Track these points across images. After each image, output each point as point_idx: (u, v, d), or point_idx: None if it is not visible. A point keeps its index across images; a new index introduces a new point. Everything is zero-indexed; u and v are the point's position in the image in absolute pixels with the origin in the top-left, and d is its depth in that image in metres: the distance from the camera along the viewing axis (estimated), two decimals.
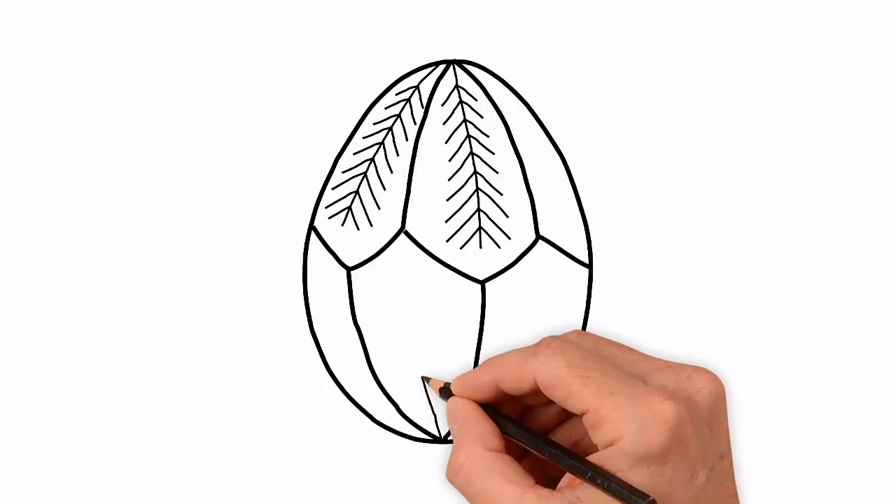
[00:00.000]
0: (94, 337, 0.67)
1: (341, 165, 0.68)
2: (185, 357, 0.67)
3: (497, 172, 0.68)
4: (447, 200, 0.68)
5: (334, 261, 0.68)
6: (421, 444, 0.68)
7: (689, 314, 0.68)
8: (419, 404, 0.68)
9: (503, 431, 0.62)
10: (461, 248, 0.68)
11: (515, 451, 0.63)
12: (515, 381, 0.61)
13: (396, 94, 0.68)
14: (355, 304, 0.68)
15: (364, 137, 0.68)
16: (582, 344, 0.62)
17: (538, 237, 0.68)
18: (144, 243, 0.67)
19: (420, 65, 0.68)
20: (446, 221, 0.68)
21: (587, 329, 0.68)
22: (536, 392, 0.61)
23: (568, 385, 0.59)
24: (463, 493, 0.61)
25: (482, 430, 0.62)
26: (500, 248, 0.68)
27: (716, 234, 0.68)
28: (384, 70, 0.68)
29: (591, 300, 0.68)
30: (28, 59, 0.67)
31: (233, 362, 0.67)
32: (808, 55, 0.68)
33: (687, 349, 0.68)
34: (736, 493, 0.61)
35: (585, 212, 0.68)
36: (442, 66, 0.68)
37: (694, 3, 0.68)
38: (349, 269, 0.68)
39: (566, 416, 0.64)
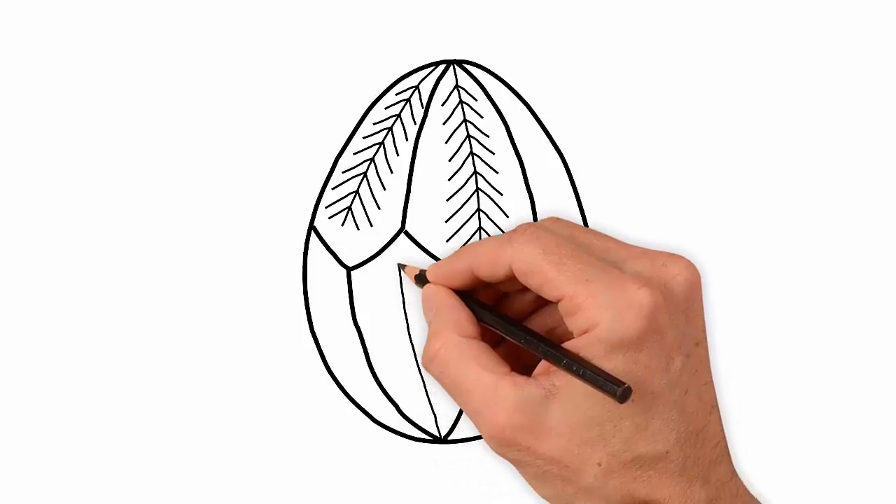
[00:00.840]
0: (95, 337, 0.67)
1: (341, 165, 0.68)
2: (185, 357, 0.67)
3: (497, 172, 0.68)
4: (447, 200, 0.68)
5: (334, 261, 0.68)
6: (421, 444, 0.68)
7: None
8: (419, 404, 0.68)
9: (479, 319, 0.62)
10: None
11: (491, 338, 0.62)
12: (491, 267, 0.61)
13: (396, 94, 0.68)
14: (355, 304, 0.68)
15: (364, 137, 0.68)
16: (558, 231, 0.61)
17: None
18: (145, 243, 0.67)
19: (420, 65, 0.68)
20: (446, 221, 0.68)
21: None
22: (512, 279, 0.61)
23: (543, 272, 0.59)
24: (438, 380, 0.61)
25: (458, 317, 0.62)
26: None
27: (715, 234, 0.68)
28: (384, 70, 0.68)
29: None
30: (28, 59, 0.67)
31: (233, 362, 0.67)
32: (808, 55, 0.68)
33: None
34: (711, 380, 0.61)
35: (585, 212, 0.68)
36: (442, 66, 0.68)
37: (694, 4, 0.68)
38: (349, 269, 0.68)
39: (541, 303, 0.64)
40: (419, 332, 0.68)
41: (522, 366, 0.61)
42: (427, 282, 0.64)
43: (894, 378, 0.68)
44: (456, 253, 0.63)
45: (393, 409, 0.68)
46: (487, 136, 0.68)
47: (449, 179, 0.68)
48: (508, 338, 0.61)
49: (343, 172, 0.68)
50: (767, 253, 0.68)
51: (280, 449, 0.68)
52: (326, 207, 0.68)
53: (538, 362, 0.60)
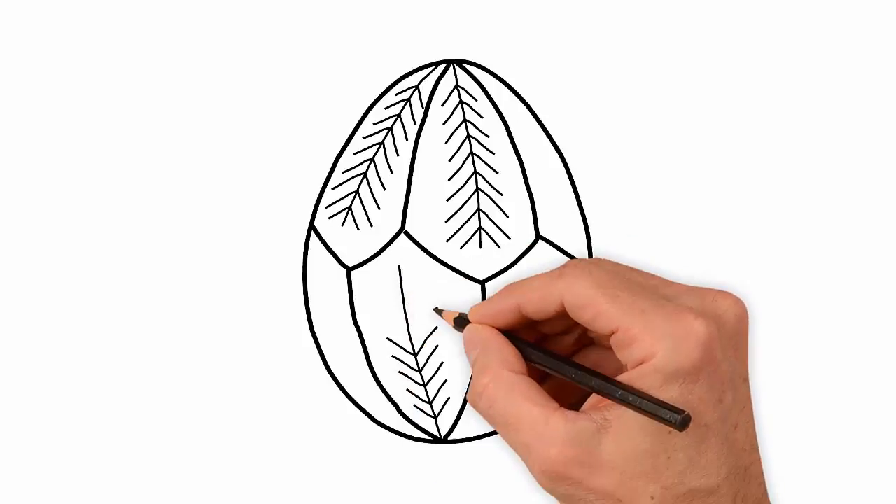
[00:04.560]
0: (95, 337, 0.67)
1: (341, 165, 0.68)
2: (185, 357, 0.67)
3: (497, 172, 0.68)
4: (447, 200, 0.68)
5: (334, 261, 0.68)
6: (421, 444, 0.68)
7: None
8: (419, 404, 0.68)
9: (525, 356, 0.62)
10: (461, 248, 0.68)
11: (534, 376, 0.62)
12: (540, 303, 0.61)
13: (396, 94, 0.68)
14: (355, 304, 0.68)
15: (364, 137, 0.68)
16: (606, 267, 0.61)
17: (538, 237, 0.68)
18: (145, 243, 0.67)
19: (420, 65, 0.68)
20: (446, 221, 0.68)
21: None
22: (558, 317, 0.61)
23: (596, 304, 0.59)
24: (485, 416, 0.61)
25: (506, 354, 0.62)
26: (500, 248, 0.68)
27: (715, 234, 0.68)
28: (384, 70, 0.68)
29: None
30: (28, 59, 0.67)
31: (233, 362, 0.67)
32: (808, 55, 0.68)
33: None
34: (753, 420, 0.61)
35: (585, 212, 0.68)
36: (442, 66, 0.68)
37: (694, 4, 0.68)
38: (349, 269, 0.68)
39: (579, 346, 0.64)
40: (419, 332, 0.68)
41: (567, 404, 0.61)
42: (466, 324, 0.64)
43: None
44: (501, 291, 0.63)
45: (393, 409, 0.68)
46: (487, 136, 0.68)
47: (449, 179, 0.68)
48: (557, 374, 0.61)
49: (343, 172, 0.68)
50: (764, 253, 0.68)
51: (280, 449, 0.68)
52: (326, 207, 0.68)
53: (582, 401, 0.60)
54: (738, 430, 0.59)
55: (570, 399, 0.62)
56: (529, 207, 0.68)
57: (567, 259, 0.68)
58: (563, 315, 0.60)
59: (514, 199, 0.68)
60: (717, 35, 0.68)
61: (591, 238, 0.68)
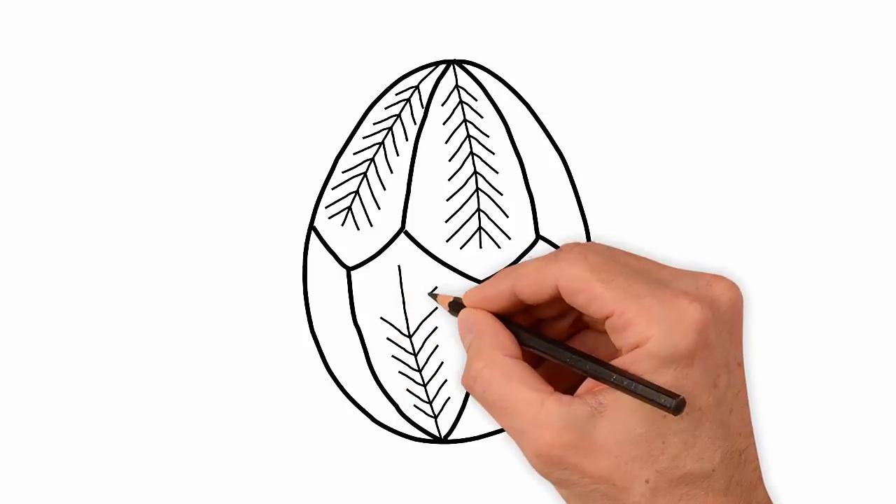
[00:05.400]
0: (94, 337, 0.67)
1: (341, 165, 0.68)
2: (185, 357, 0.67)
3: (497, 172, 0.68)
4: (447, 200, 0.68)
5: (334, 261, 0.68)
6: (421, 444, 0.68)
7: None
8: (419, 404, 0.68)
9: (520, 340, 0.62)
10: (461, 248, 0.68)
11: (529, 361, 0.62)
12: (535, 287, 0.60)
13: (396, 94, 0.68)
14: (355, 304, 0.68)
15: (364, 137, 0.68)
16: (601, 251, 0.61)
17: (538, 237, 0.68)
18: (145, 243, 0.67)
19: (420, 65, 0.68)
20: (446, 221, 0.68)
21: None
22: (553, 301, 0.60)
23: (591, 289, 0.58)
24: (480, 400, 0.61)
25: (501, 338, 0.61)
26: (500, 248, 0.68)
27: (715, 234, 0.68)
28: (384, 70, 0.68)
29: None
30: (28, 59, 0.67)
31: (233, 362, 0.67)
32: (808, 55, 0.68)
33: None
34: (748, 404, 0.60)
35: (585, 212, 0.68)
36: (442, 66, 0.68)
37: (694, 4, 0.68)
38: (349, 269, 0.68)
39: (574, 329, 0.64)
40: (419, 332, 0.68)
41: (561, 389, 0.61)
42: (461, 309, 0.64)
43: None
44: (495, 276, 0.63)
45: (393, 409, 0.68)
46: (487, 136, 0.68)
47: (449, 179, 0.68)
48: (552, 358, 0.61)
49: (343, 172, 0.68)
50: (767, 254, 0.68)
51: (280, 449, 0.68)
52: (326, 207, 0.68)
53: (577, 386, 0.60)
54: (732, 415, 0.59)
55: (565, 383, 0.62)
56: (529, 207, 0.68)
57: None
58: (557, 299, 0.60)
59: (514, 199, 0.68)
60: (716, 35, 0.68)
61: (592, 238, 0.68)
